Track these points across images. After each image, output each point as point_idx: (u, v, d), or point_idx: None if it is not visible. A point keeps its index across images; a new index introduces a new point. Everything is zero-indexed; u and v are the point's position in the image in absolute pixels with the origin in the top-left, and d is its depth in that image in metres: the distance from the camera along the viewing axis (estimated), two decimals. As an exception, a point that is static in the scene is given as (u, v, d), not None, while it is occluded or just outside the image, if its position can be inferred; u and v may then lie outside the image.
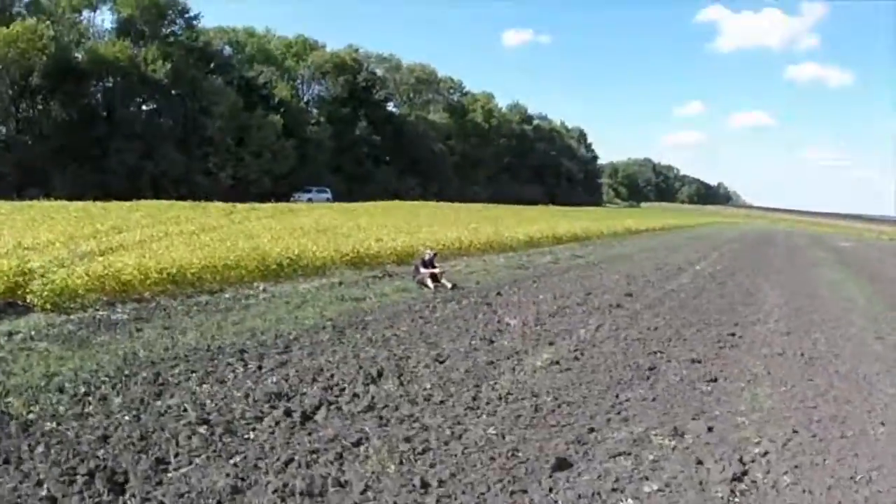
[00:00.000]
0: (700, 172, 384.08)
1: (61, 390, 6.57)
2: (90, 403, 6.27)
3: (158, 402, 6.37)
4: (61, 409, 6.10)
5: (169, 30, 64.28)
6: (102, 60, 56.06)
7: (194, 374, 7.21)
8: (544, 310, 12.37)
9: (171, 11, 63.99)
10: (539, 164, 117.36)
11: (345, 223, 25.78)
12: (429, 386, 7.31)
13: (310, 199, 55.47)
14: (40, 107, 55.90)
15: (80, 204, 31.05)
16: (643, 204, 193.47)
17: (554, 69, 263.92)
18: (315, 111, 76.30)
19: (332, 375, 7.46)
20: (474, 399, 6.92)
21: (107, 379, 6.99)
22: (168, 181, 52.03)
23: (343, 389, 6.98)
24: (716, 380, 8.27)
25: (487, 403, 6.80)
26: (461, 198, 72.82)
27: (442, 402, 6.79)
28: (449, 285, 14.38)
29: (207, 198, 38.37)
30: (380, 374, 7.58)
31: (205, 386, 6.87)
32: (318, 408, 6.32)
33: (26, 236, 16.30)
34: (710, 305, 14.36)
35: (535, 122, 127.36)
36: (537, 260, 21.37)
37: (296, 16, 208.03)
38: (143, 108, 61.26)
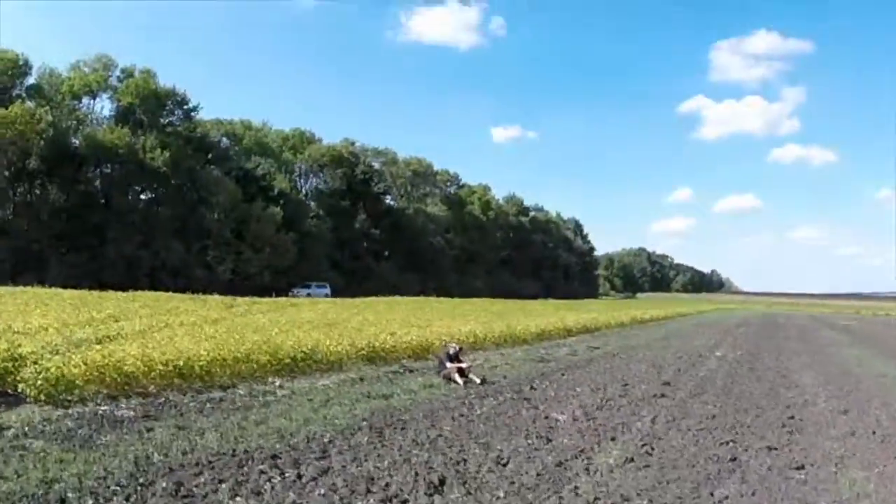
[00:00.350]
0: (692, 259, 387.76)
1: (63, 502, 5.46)
2: (98, 521, 5.13)
3: (185, 522, 5.28)
4: (63, 529, 4.91)
5: (167, 119, 64.67)
6: (101, 146, 56.08)
7: (223, 485, 6.11)
8: (588, 402, 11.77)
9: (169, 102, 64.54)
10: (537, 256, 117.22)
11: (352, 317, 24.85)
12: (502, 495, 6.30)
13: (308, 294, 54.42)
14: (37, 191, 55.61)
15: (75, 292, 30.02)
16: (639, 295, 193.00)
17: (543, 163, 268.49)
18: (313, 204, 76.04)
19: (386, 484, 6.46)
20: (562, 508, 5.99)
21: (118, 489, 5.85)
22: (166, 273, 51.08)
23: (405, 501, 6.02)
24: (803, 466, 7.70)
25: (580, 512, 5.92)
26: (461, 292, 71.89)
27: (527, 512, 5.83)
28: (478, 380, 13.51)
29: (205, 291, 37.28)
30: (441, 482, 6.56)
31: (238, 499, 5.79)
32: None
33: (17, 321, 15.27)
34: (752, 390, 13.97)
35: (532, 213, 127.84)
36: (555, 352, 20.64)
37: (288, 109, 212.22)
38: (142, 196, 60.95)
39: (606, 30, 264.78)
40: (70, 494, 5.61)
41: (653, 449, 8.41)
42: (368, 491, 6.21)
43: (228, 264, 57.56)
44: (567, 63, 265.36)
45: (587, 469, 7.36)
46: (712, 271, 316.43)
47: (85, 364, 10.49)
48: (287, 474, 6.58)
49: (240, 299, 34.59)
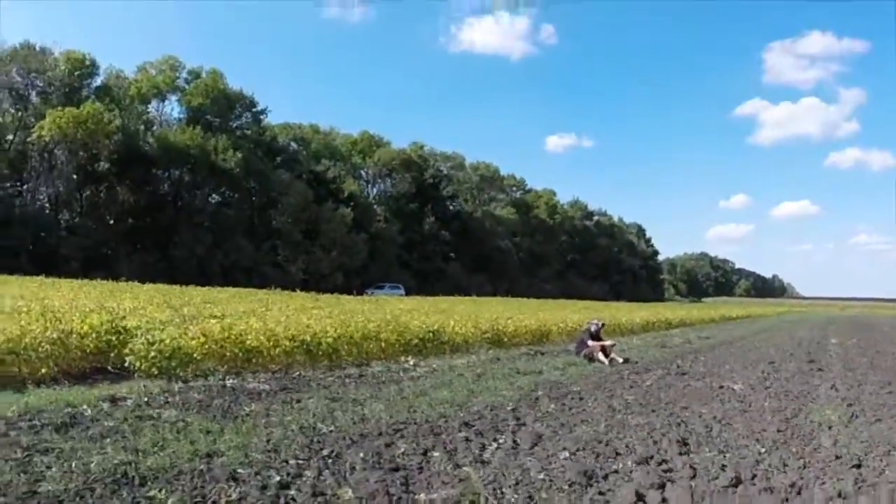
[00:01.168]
0: (751, 265, 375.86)
1: (235, 479, 4.40)
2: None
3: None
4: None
5: (237, 123, 64.58)
6: (172, 148, 55.87)
7: (434, 452, 5.45)
8: (749, 376, 11.61)
9: (238, 105, 64.32)
10: (603, 260, 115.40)
11: (449, 309, 23.50)
12: (763, 450, 6.04)
13: (383, 295, 53.26)
14: (105, 192, 55.73)
15: (152, 285, 29.11)
16: (704, 299, 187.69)
17: (599, 170, 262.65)
18: (381, 207, 75.42)
19: (627, 445, 6.01)
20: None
21: (299, 461, 4.95)
22: (238, 272, 50.62)
23: (664, 461, 5.50)
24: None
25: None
26: (531, 295, 69.94)
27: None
28: (620, 359, 13.33)
29: (282, 289, 36.13)
30: (684, 442, 6.22)
31: (464, 468, 5.02)
32: (662, 486, 4.73)
33: (107, 303, 14.23)
34: (894, 366, 14.14)
35: (596, 217, 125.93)
36: (669, 341, 20.90)
37: (353, 114, 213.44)
38: (212, 198, 60.90)
39: (657, 34, 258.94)
40: (241, 470, 4.60)
41: (862, 409, 8.35)
42: (617, 454, 5.69)
43: (300, 264, 57.00)
44: (619, 69, 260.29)
45: (819, 426, 7.20)
46: (773, 276, 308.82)
47: (204, 336, 9.32)
48: (500, 441, 5.95)
49: (323, 295, 33.45)
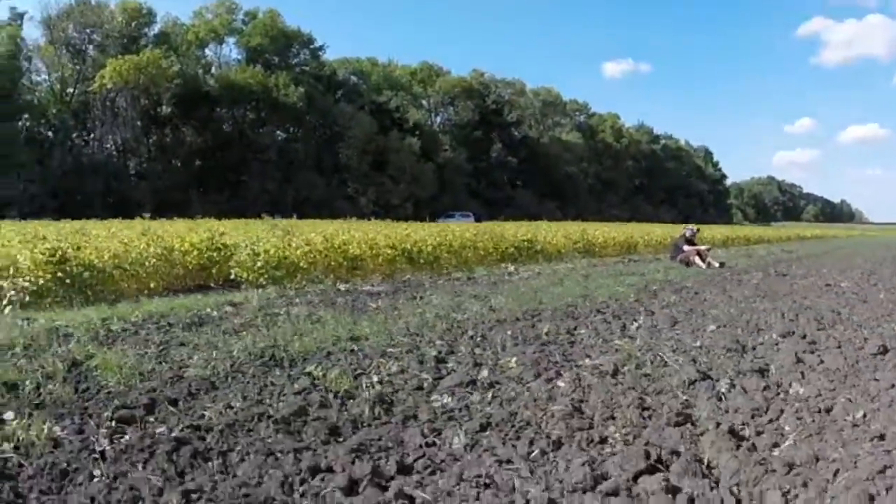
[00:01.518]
0: (818, 190, 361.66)
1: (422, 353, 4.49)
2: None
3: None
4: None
5: (296, 60, 64.49)
6: (234, 87, 55.99)
7: (582, 330, 5.48)
8: (853, 276, 11.61)
9: (297, 43, 64.22)
10: (670, 184, 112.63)
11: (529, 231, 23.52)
12: None
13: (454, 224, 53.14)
14: (170, 135, 56.42)
15: (229, 220, 29.34)
16: (773, 223, 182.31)
17: (659, 96, 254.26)
18: (447, 137, 74.62)
19: (765, 322, 6.14)
20: None
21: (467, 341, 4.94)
22: (310, 206, 50.96)
23: (805, 336, 5.51)
24: None
25: None
26: (600, 220, 68.68)
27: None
28: (717, 264, 13.34)
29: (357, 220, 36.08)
30: (819, 321, 6.27)
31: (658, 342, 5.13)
32: (813, 352, 4.82)
33: (189, 235, 14.37)
34: None
35: (663, 141, 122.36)
36: (754, 253, 21.01)
37: (409, 44, 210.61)
38: (276, 134, 61.29)
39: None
40: (392, 349, 4.62)
41: None
42: (759, 329, 5.77)
43: (370, 196, 57.12)
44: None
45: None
46: (842, 201, 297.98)
47: (308, 245, 9.12)
48: (639, 321, 6.03)
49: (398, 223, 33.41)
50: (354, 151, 58.68)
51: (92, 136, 55.56)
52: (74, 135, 54.23)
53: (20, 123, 50.72)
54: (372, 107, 64.02)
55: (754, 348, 4.99)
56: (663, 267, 12.50)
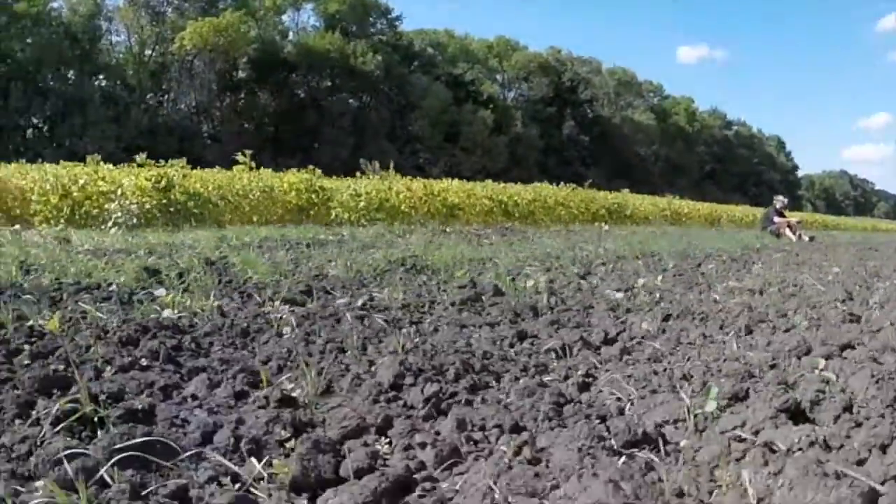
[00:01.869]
0: (891, 187, 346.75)
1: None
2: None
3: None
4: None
5: (373, 29, 64.58)
6: (312, 52, 56.26)
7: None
8: None
9: (374, 12, 64.29)
10: (741, 171, 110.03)
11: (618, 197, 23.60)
12: None
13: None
14: (245, 99, 57.07)
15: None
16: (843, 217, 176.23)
17: (732, 84, 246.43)
18: (519, 112, 73.93)
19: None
20: None
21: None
22: (382, 173, 51.47)
23: None
24: None
25: None
26: (673, 201, 67.53)
27: None
28: (807, 237, 13.13)
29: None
30: None
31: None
32: None
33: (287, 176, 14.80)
34: None
35: (735, 127, 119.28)
36: (839, 236, 20.79)
37: (485, 18, 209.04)
38: (351, 101, 61.62)
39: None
40: (535, 263, 4.68)
41: None
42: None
43: (441, 167, 57.08)
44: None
45: None
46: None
47: (409, 190, 9.13)
48: (759, 264, 6.02)
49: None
50: (427, 122, 58.73)
51: (167, 97, 56.72)
52: (150, 96, 55.16)
53: (97, 83, 51.85)
54: (447, 78, 63.88)
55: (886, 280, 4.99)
56: (754, 236, 12.46)
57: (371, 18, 65.58)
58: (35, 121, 50.00)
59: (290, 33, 63.85)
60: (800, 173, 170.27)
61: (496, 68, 77.81)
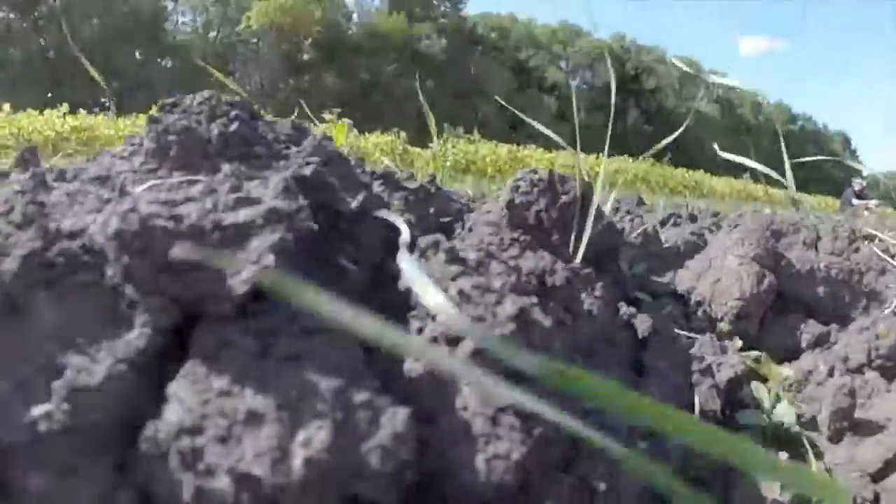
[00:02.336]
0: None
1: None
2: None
3: None
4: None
5: (436, 12, 64.61)
6: (376, 34, 56.66)
7: None
8: None
9: (435, -6, 64.49)
10: (806, 168, 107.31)
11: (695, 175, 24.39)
12: None
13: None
14: (309, 80, 57.46)
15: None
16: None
17: (794, 77, 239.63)
18: (582, 100, 74.69)
19: None
20: None
21: None
22: (445, 157, 52.90)
23: None
24: None
25: None
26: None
27: None
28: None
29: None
30: None
31: None
32: None
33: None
34: None
35: (800, 122, 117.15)
36: None
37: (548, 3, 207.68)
38: (415, 85, 62.73)
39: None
40: None
41: None
42: None
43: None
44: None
45: None
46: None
47: (494, 154, 10.59)
48: None
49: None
50: (492, 108, 59.85)
51: (232, 78, 58.53)
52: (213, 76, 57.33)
53: (165, 65, 52.81)
54: (512, 63, 64.75)
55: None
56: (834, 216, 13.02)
57: (435, 1, 66.37)
58: (103, 100, 52.01)
59: (355, 14, 64.59)
60: (866, 172, 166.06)
61: (560, 54, 78.54)
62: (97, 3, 48.81)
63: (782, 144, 3.00)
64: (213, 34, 57.14)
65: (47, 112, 17.73)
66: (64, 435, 0.65)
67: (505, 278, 0.83)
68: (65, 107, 18.25)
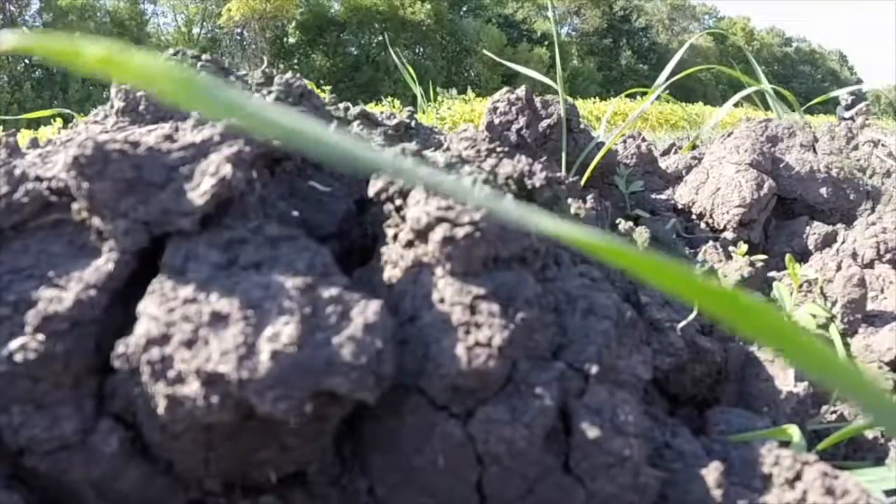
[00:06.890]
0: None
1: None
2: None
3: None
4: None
5: (418, -25, 64.65)
6: (360, 9, 56.82)
7: None
8: None
9: (409, -41, 64.05)
10: (805, 90, 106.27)
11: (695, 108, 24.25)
12: None
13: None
14: (298, 63, 57.91)
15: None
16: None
17: None
18: (574, 46, 73.99)
19: None
20: None
21: None
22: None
23: None
24: None
25: None
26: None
27: None
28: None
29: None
30: None
31: None
32: None
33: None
34: None
35: (795, 44, 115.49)
36: None
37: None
38: (405, 53, 62.38)
39: None
40: None
41: None
42: None
43: (502, 109, 57.94)
44: None
45: None
46: None
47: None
48: None
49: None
50: (484, 66, 59.41)
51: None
52: (201, 71, 57.07)
53: None
54: (499, 20, 64.16)
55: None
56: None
57: (413, -34, 65.59)
58: (95, 110, 52.19)
59: (335, -3, 63.95)
60: (864, 87, 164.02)
61: (545, 4, 77.52)
62: (75, 17, 48.87)
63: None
64: (196, 31, 57.18)
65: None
66: (41, 366, 0.65)
67: (477, 178, 0.81)
68: (58, 122, 18.05)
